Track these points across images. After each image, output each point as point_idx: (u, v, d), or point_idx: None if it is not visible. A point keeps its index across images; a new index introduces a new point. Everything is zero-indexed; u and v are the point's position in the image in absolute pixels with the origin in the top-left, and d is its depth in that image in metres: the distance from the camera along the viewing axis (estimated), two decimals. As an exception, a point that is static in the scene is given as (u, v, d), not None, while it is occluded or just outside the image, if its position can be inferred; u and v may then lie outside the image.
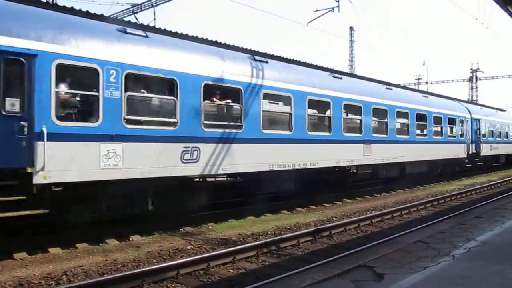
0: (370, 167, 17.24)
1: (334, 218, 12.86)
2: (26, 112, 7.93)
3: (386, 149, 17.77)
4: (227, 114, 11.84)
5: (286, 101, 13.38)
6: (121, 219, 9.93)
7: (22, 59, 7.95)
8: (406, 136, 19.42)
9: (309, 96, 13.92)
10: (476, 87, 57.18)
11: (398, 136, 18.74)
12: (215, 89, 11.39)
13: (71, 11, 10.73)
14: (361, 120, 16.38)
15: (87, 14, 10.98)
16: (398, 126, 18.93)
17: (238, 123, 11.68)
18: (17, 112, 7.83)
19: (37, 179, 8.00)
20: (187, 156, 10.36)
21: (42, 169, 7.98)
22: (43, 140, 7.97)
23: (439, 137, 22.69)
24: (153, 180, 9.75)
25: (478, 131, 27.59)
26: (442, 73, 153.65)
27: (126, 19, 18.58)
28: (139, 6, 29.41)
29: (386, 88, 20.00)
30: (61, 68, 8.42)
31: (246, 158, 11.73)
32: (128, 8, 29.76)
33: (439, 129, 22.75)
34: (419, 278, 5.59)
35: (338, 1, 17.38)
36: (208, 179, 11.73)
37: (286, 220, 12.44)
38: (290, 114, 13.26)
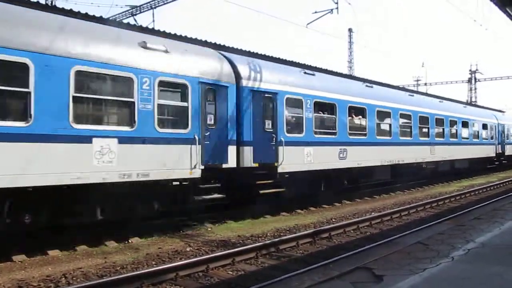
0: (434, 163, 22.82)
1: (333, 220, 12.86)
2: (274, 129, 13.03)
3: (443, 149, 23.26)
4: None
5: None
6: (121, 220, 9.94)
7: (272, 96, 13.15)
8: (455, 139, 25.03)
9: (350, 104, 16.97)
10: (475, 89, 57.28)
11: (450, 139, 24.44)
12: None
13: (71, 13, 10.76)
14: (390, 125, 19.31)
15: (86, 17, 11.00)
16: (446, 131, 23.99)
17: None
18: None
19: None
20: (341, 155, 15.50)
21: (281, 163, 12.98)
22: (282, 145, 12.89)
23: (477, 140, 28.40)
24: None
25: (503, 134, 32.79)
26: (441, 75, 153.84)
27: (125, 21, 18.59)
28: (138, 8, 29.44)
29: (412, 96, 24.10)
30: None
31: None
32: (127, 10, 29.80)
33: (476, 133, 28.28)
34: (418, 280, 5.60)
35: (337, 3, 17.43)
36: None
37: (285, 222, 12.44)
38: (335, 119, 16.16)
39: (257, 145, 12.39)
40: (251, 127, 12.28)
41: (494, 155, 30.99)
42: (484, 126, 29.53)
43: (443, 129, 23.64)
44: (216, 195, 11.25)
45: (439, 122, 23.15)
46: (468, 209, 14.14)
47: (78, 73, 8.59)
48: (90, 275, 7.46)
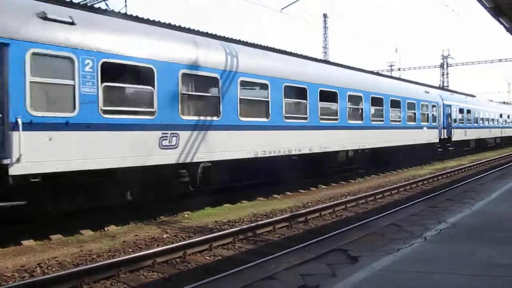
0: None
1: (309, 204, 13.00)
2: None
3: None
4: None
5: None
6: (97, 209, 9.83)
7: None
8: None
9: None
10: (447, 73, 58.27)
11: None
12: None
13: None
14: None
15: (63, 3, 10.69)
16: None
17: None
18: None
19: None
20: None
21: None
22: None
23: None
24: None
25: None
26: (415, 60, 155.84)
27: (96, 6, 18.15)
28: (110, -8, 28.78)
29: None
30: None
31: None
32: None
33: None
34: (392, 260, 5.73)
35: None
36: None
37: (262, 207, 12.51)
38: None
39: None
40: None
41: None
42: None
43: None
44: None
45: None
46: (440, 191, 14.49)
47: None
48: (66, 264, 7.38)
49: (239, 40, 17.16)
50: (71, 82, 8.62)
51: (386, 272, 5.27)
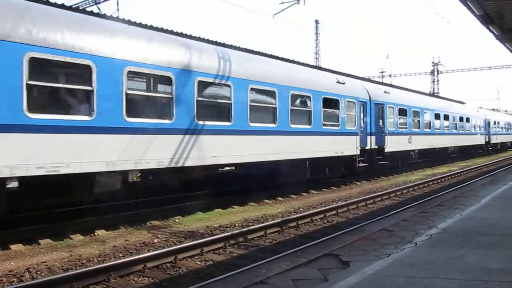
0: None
1: (301, 209, 13.00)
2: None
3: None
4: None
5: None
6: (87, 212, 9.76)
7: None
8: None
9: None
10: (438, 80, 58.79)
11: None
12: None
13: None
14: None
15: (48, 3, 10.64)
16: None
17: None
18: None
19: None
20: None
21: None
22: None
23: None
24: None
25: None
26: (406, 67, 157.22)
27: (88, 9, 18.12)
28: (102, -4, 28.63)
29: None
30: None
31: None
32: (90, -2, 28.93)
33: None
34: (383, 265, 5.74)
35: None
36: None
37: (254, 212, 12.49)
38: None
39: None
40: None
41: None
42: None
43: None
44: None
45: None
46: (431, 197, 14.57)
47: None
48: (55, 269, 7.30)
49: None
50: None
51: (377, 276, 5.29)
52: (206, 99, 11.75)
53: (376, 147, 20.30)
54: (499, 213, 9.47)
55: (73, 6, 14.77)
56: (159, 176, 11.50)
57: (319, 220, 11.54)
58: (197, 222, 11.10)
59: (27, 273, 7.05)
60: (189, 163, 11.02)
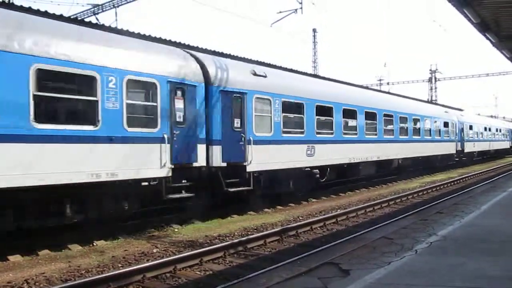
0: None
1: (300, 218, 12.96)
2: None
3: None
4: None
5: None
6: (84, 223, 9.71)
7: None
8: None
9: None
10: (435, 88, 58.91)
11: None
12: None
13: (30, 11, 10.43)
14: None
15: (46, 15, 10.69)
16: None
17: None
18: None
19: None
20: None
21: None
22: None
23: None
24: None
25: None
26: (404, 75, 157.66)
27: (86, 20, 18.20)
28: (100, 6, 28.80)
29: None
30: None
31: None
32: (89, 9, 29.10)
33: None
34: (384, 273, 5.72)
35: (301, 3, 17.55)
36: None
37: (253, 221, 12.45)
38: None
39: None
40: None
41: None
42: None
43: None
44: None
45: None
46: (430, 204, 14.54)
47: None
48: (54, 280, 7.25)
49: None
50: None
51: (377, 285, 5.26)
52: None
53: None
54: (499, 220, 9.46)
55: (71, 17, 14.82)
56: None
57: (318, 228, 11.51)
58: (196, 232, 11.05)
59: (25, 284, 7.01)
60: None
